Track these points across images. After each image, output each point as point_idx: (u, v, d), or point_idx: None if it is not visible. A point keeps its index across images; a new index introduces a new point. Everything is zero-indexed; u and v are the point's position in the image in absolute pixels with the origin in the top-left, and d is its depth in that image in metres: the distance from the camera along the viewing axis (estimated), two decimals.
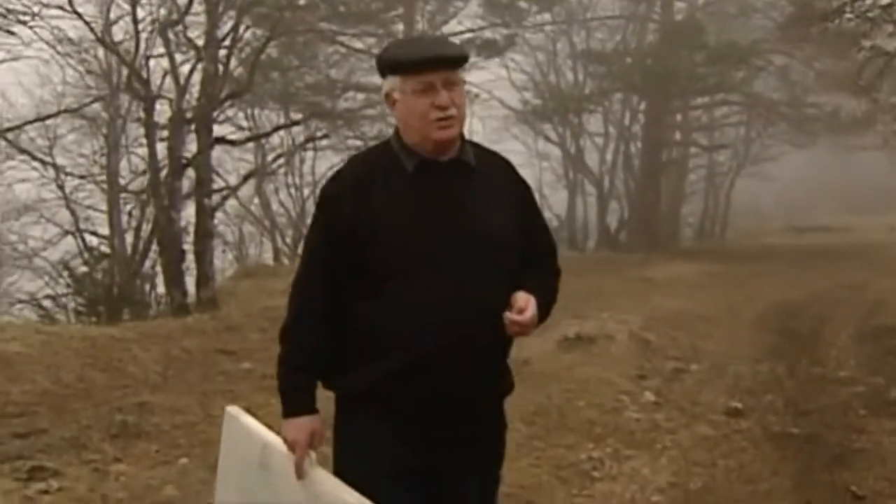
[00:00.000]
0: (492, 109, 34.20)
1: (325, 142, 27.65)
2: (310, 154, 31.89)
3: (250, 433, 3.57)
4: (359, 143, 28.94)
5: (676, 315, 15.23)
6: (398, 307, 3.20)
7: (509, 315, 3.18)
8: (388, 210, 3.21)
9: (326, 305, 3.27)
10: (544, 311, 3.34)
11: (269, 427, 3.58)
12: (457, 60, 3.24)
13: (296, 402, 3.27)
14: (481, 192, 3.31)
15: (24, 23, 18.46)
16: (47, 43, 21.60)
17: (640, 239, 33.08)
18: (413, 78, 3.20)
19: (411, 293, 3.18)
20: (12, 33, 19.02)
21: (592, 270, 22.51)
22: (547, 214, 36.16)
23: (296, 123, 26.51)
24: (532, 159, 36.45)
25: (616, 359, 11.45)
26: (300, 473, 3.20)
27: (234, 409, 3.80)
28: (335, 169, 3.58)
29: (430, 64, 3.16)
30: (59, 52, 23.01)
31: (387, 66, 3.27)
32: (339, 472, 3.29)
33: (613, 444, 7.97)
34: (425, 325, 3.17)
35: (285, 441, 3.25)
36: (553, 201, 36.09)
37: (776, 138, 37.29)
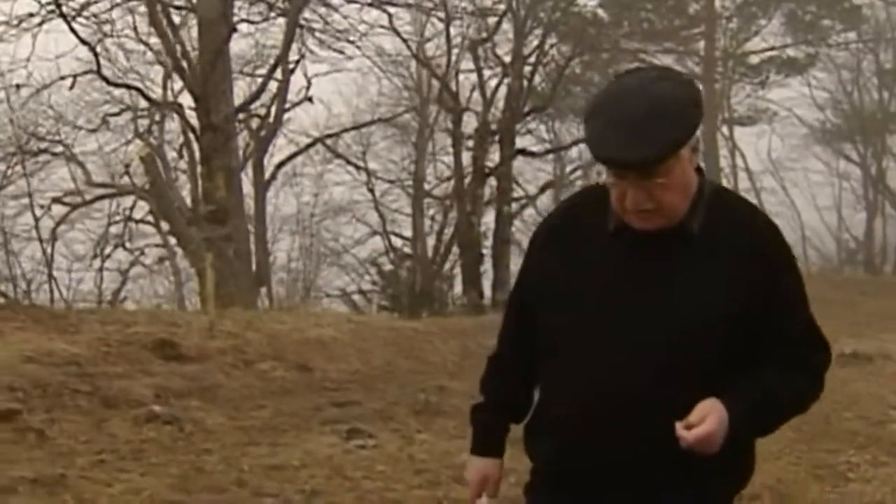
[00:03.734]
0: (792, 127, 34.04)
1: None
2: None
3: None
4: None
5: None
6: (552, 386, 2.83)
7: (679, 428, 2.54)
8: (564, 269, 2.78)
9: (518, 354, 2.94)
10: (761, 419, 2.69)
11: None
12: (640, 167, 2.53)
13: (477, 439, 2.99)
14: (692, 265, 2.66)
15: (352, 42, 20.14)
16: (368, 58, 23.27)
17: None
18: None
19: (564, 374, 2.76)
20: (340, 52, 20.77)
21: (884, 293, 22.29)
22: (844, 236, 35.78)
23: None
24: (832, 178, 35.91)
25: (890, 377, 11.74)
26: None
27: None
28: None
29: (604, 163, 2.62)
30: (379, 67, 24.73)
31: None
32: None
33: (873, 452, 8.44)
34: (571, 417, 2.72)
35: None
36: (851, 223, 35.46)
37: None
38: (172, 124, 23.18)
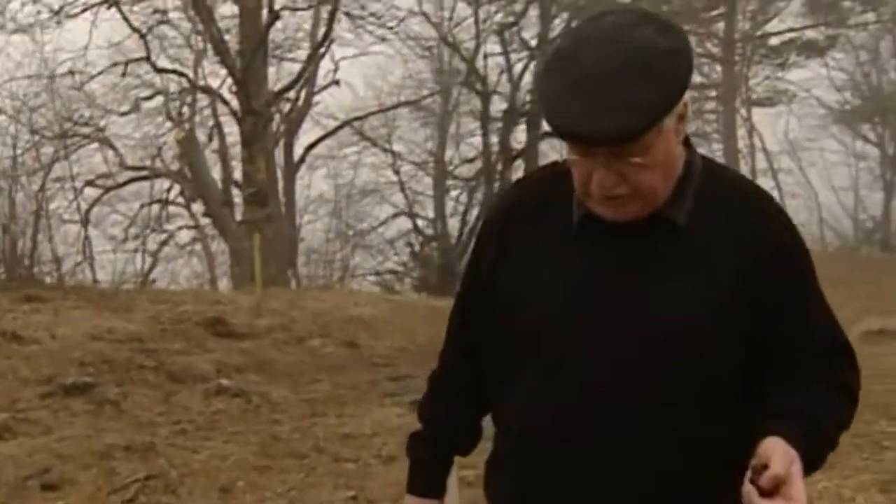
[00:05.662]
0: (810, 108, 34.30)
1: None
2: None
3: None
4: None
5: None
6: (507, 413, 2.28)
7: (749, 491, 1.87)
8: (520, 272, 2.22)
9: (466, 372, 2.39)
10: (815, 451, 2.04)
11: None
12: (612, 140, 1.96)
13: (414, 476, 2.48)
14: (678, 265, 2.11)
15: (391, 28, 20.56)
16: (402, 41, 23.61)
17: None
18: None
19: (521, 400, 2.20)
20: (382, 39, 21.19)
21: None
22: (862, 216, 36.09)
23: None
24: (849, 159, 36.17)
25: None
26: None
27: None
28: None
29: (564, 137, 2.05)
30: (406, 50, 25.09)
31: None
32: None
33: None
34: (530, 456, 2.20)
35: None
36: (869, 203, 35.75)
37: None
38: (200, 109, 23.63)
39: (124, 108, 22.37)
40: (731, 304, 2.07)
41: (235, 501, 6.20)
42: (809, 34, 31.32)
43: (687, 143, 2.16)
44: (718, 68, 31.80)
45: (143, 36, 17.39)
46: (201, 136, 23.15)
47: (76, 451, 6.69)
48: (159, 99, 22.67)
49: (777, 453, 1.89)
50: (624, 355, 2.06)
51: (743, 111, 34.02)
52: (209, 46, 20.33)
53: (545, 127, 22.59)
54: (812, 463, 2.00)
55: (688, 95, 2.05)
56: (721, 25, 31.98)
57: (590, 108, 1.92)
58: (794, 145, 35.39)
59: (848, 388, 2.17)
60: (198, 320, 11.78)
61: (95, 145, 22.57)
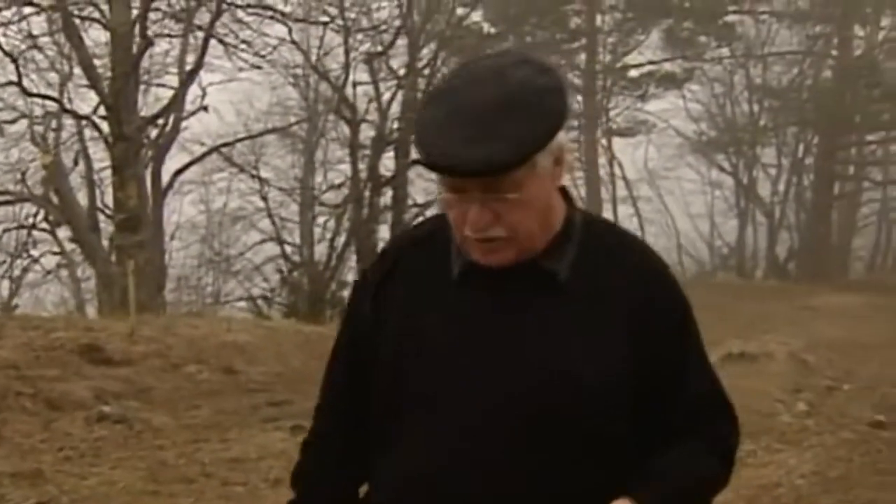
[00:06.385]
0: (668, 138, 35.38)
1: None
2: None
3: None
4: None
5: (836, 341, 16.24)
6: (383, 481, 2.21)
7: None
8: (398, 326, 2.16)
9: (346, 432, 2.28)
10: None
11: None
12: (485, 170, 1.93)
13: None
14: (560, 318, 2.08)
15: (264, 56, 20.69)
16: (273, 69, 23.68)
17: (809, 269, 33.64)
18: None
19: (394, 459, 2.15)
20: (257, 67, 21.30)
21: (759, 297, 23.48)
22: (717, 242, 37.29)
23: None
24: (705, 187, 37.31)
25: (775, 374, 12.70)
26: None
27: None
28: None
29: (434, 168, 1.99)
30: (277, 76, 25.19)
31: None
32: None
33: (766, 441, 9.31)
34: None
35: None
36: (724, 230, 36.94)
37: None
38: (65, 133, 23.33)
39: None
40: (616, 360, 2.06)
41: None
42: (667, 67, 32.46)
43: (567, 197, 2.17)
44: (580, 98, 32.60)
45: (14, 60, 17.21)
46: (67, 160, 22.88)
47: None
48: (22, 123, 22.32)
49: None
50: (501, 415, 2.02)
51: (604, 141, 34.90)
52: (75, 71, 20.17)
53: (414, 154, 22.97)
54: None
55: (566, 140, 2.05)
56: (582, 57, 32.86)
57: (462, 138, 1.91)
58: (653, 174, 36.48)
59: (726, 445, 2.21)
60: (71, 347, 11.68)
61: None
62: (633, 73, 32.90)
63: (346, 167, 24.58)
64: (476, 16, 26.74)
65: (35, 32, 19.45)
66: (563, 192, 2.15)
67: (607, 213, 34.23)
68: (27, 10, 18.87)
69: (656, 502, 2.03)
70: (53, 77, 21.99)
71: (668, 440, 2.12)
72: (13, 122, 22.10)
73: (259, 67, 21.72)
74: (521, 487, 2.02)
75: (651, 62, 32.38)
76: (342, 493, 2.29)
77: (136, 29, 17.61)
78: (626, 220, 35.91)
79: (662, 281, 2.19)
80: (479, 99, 1.94)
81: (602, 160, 34.81)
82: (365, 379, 2.19)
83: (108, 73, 18.41)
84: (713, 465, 2.17)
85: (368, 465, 2.22)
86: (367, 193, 21.57)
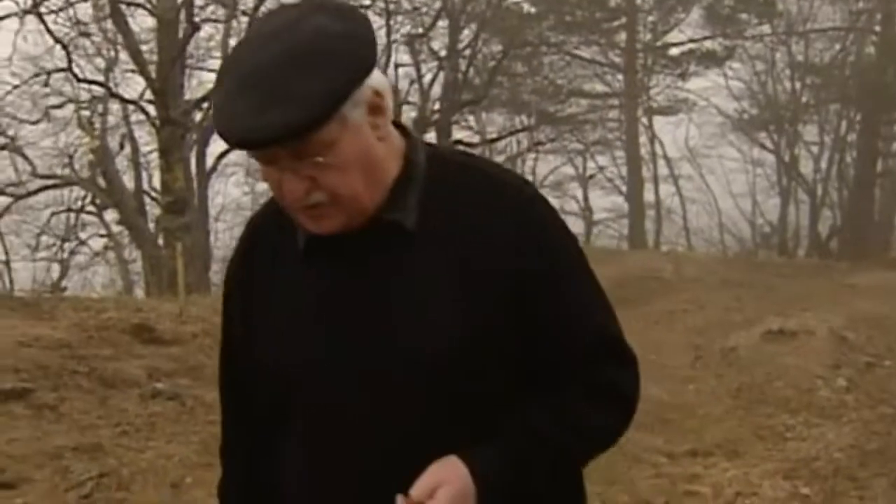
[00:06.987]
0: (709, 116, 35.29)
1: (549, 145, 29.37)
2: (531, 156, 33.67)
3: None
4: (580, 146, 30.63)
5: (877, 318, 16.23)
6: (268, 468, 2.14)
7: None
8: (261, 306, 2.07)
9: (244, 438, 2.21)
10: (531, 470, 1.96)
11: None
12: (277, 139, 1.77)
13: None
14: (417, 270, 1.94)
15: None
16: None
17: (852, 247, 33.48)
18: None
19: (279, 449, 2.11)
20: None
21: (800, 274, 23.41)
22: (759, 221, 37.17)
23: (528, 129, 28.28)
24: (746, 166, 37.20)
25: (814, 351, 12.79)
26: None
27: None
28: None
29: (228, 140, 1.83)
30: None
31: None
32: None
33: (805, 416, 9.47)
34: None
35: None
36: (766, 208, 36.85)
37: None
38: (111, 117, 23.70)
39: (34, 117, 22.37)
40: (485, 311, 1.91)
41: (187, 496, 6.55)
42: (708, 45, 32.37)
43: (406, 135, 2.00)
44: (620, 77, 32.62)
45: (65, 47, 17.56)
46: (112, 144, 23.25)
47: (27, 452, 6.97)
48: (69, 108, 22.68)
49: (430, 474, 1.86)
50: (371, 368, 1.91)
51: (644, 119, 34.90)
52: (121, 56, 20.51)
53: (455, 135, 23.18)
54: (541, 477, 1.97)
55: (384, 84, 1.88)
56: (623, 36, 32.85)
57: (251, 107, 1.74)
58: (694, 152, 36.41)
59: (616, 392, 2.04)
60: (123, 327, 11.95)
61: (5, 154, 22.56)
62: (674, 51, 32.87)
63: None
64: None
65: (85, 20, 19.80)
66: (402, 129, 2.01)
67: (649, 193, 34.36)
68: None
69: (494, 460, 1.90)
70: (99, 62, 22.42)
71: (551, 390, 1.99)
72: (60, 106, 22.46)
73: None
74: (392, 458, 1.91)
75: (692, 40, 32.29)
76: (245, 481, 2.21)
77: (182, 14, 17.87)
78: (668, 198, 36.03)
79: (525, 214, 1.97)
80: (265, 59, 1.76)
81: (643, 139, 34.88)
82: (242, 374, 2.13)
83: (154, 58, 18.75)
84: (590, 414, 2.00)
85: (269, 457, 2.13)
86: None
